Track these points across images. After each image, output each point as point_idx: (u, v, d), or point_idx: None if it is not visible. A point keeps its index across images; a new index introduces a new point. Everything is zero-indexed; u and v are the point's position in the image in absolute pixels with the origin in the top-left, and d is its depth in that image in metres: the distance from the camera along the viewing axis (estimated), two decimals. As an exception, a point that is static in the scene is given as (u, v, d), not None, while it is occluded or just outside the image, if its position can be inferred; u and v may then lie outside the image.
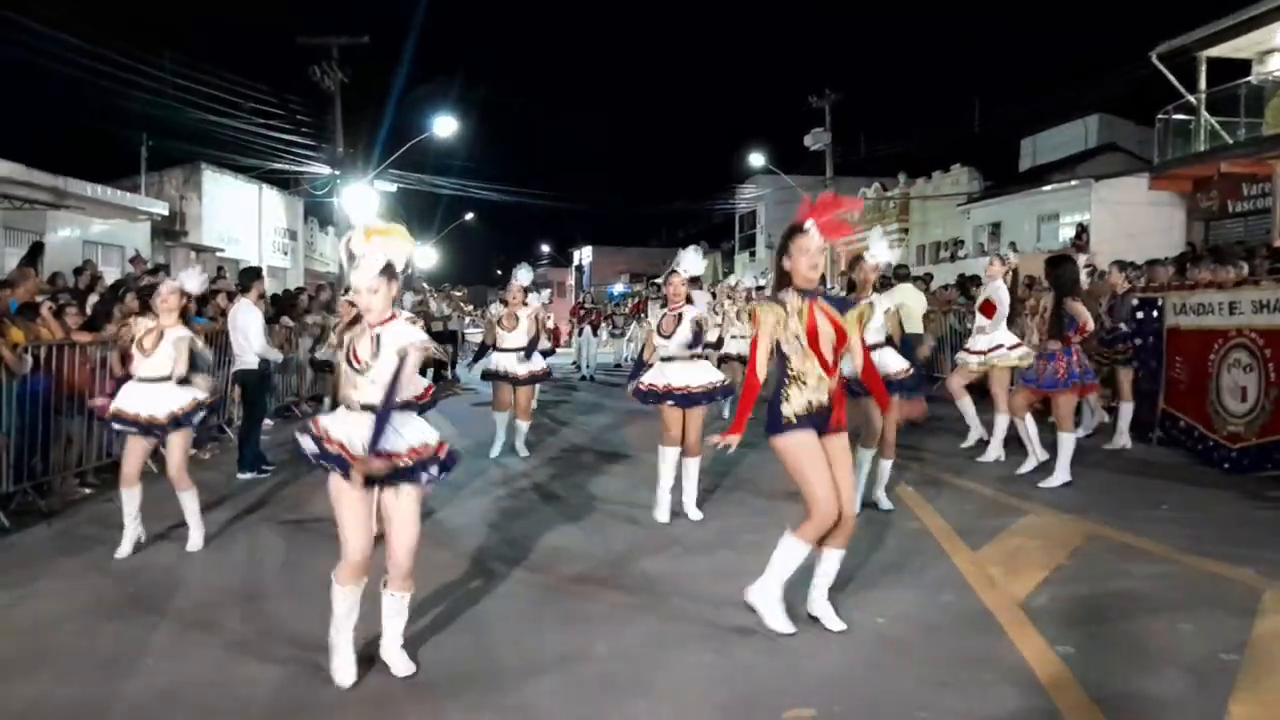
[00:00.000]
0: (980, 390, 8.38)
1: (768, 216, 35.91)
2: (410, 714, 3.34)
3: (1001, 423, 7.78)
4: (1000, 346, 7.80)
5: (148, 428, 5.29)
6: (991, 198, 24.73)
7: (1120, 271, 9.09)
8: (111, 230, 17.59)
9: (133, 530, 5.38)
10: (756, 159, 31.13)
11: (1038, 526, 5.73)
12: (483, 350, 8.90)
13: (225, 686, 3.55)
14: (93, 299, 9.18)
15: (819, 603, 4.02)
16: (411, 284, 16.81)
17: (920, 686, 3.46)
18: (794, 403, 3.88)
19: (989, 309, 7.89)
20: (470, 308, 22.24)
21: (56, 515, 6.42)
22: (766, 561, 4.00)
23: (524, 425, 8.72)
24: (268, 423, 8.98)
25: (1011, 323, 7.94)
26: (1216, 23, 15.97)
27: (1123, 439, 8.33)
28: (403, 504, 3.49)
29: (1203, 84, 17.04)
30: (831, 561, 3.99)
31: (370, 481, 3.42)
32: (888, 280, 7.17)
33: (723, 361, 9.51)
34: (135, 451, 5.42)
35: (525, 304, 8.71)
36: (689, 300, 6.25)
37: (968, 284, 13.34)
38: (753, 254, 38.30)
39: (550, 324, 12.74)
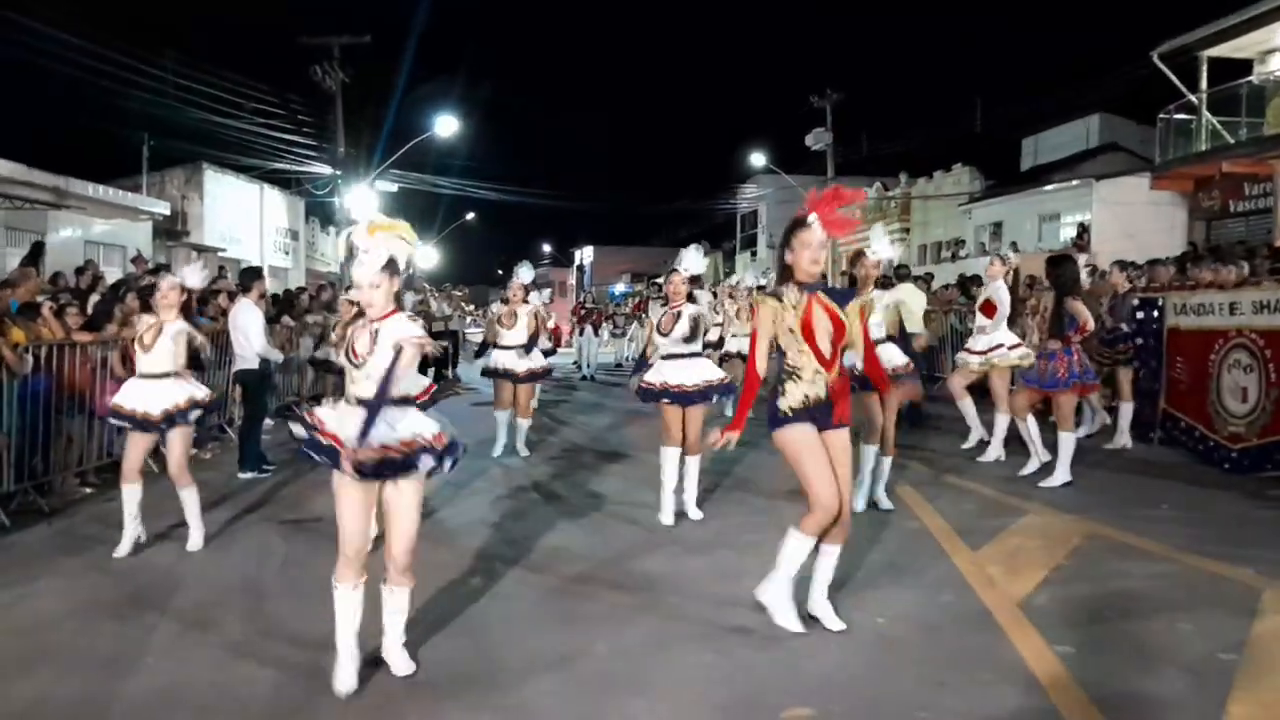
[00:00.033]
0: (981, 390, 8.38)
1: (769, 216, 35.94)
2: (410, 714, 3.34)
3: (1002, 422, 7.78)
4: (1000, 346, 7.80)
5: (144, 423, 5.30)
6: (993, 197, 24.74)
7: (1121, 271, 9.10)
8: (113, 230, 17.62)
9: (132, 530, 5.38)
10: (758, 159, 31.22)
11: (1038, 526, 5.73)
12: (483, 348, 8.94)
13: (225, 686, 3.56)
14: (94, 299, 9.19)
15: (819, 602, 4.02)
16: (413, 284, 16.80)
17: (920, 686, 3.46)
18: (790, 396, 3.88)
19: (990, 309, 7.88)
20: (471, 307, 22.26)
21: (57, 515, 6.42)
22: (766, 561, 4.01)
23: (524, 424, 8.74)
24: (268, 422, 8.97)
25: (1012, 323, 7.94)
26: (1218, 22, 15.97)
27: (1123, 439, 8.34)
28: (401, 495, 3.48)
29: (1204, 84, 17.04)
30: (829, 558, 3.99)
31: (370, 476, 3.39)
32: (889, 280, 7.16)
33: (724, 360, 9.56)
34: (136, 447, 5.42)
35: (525, 301, 8.75)
36: (690, 299, 6.26)
37: (968, 284, 13.32)
38: (754, 254, 38.32)
39: (551, 323, 12.73)
